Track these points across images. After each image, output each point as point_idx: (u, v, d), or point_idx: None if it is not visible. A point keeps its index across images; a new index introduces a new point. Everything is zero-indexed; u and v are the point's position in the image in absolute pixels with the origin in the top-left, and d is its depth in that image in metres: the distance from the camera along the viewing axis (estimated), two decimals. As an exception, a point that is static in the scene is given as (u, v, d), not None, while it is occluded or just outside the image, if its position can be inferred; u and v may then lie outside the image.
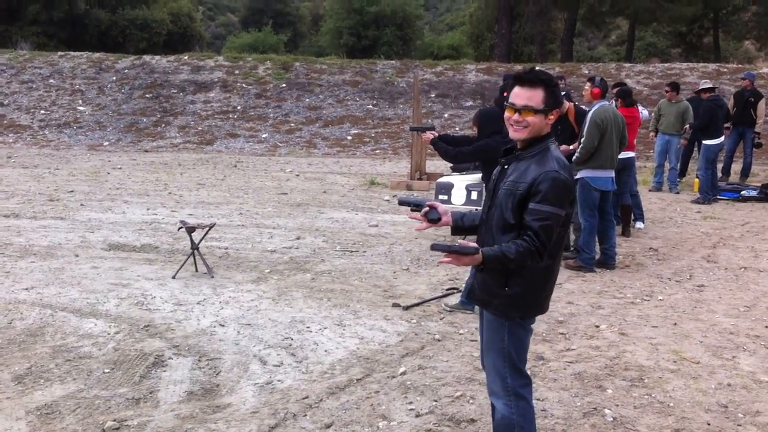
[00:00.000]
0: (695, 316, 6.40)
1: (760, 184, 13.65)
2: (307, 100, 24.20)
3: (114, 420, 4.24)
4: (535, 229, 3.16)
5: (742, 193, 13.10)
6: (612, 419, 4.37)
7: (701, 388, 4.85)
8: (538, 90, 3.24)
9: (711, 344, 5.68)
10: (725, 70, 24.48)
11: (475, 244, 3.25)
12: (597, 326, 6.06)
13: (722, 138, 12.90)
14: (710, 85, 13.66)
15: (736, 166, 15.47)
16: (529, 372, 3.60)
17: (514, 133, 3.32)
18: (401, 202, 3.81)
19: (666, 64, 27.33)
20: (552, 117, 3.28)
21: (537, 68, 3.43)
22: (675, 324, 6.17)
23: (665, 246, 9.19)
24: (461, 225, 3.65)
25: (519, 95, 3.27)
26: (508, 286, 3.30)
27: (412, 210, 3.63)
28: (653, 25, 40.63)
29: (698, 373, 5.11)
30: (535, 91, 3.24)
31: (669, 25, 39.85)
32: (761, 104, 14.61)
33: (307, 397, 4.61)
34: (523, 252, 3.16)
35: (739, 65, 27.43)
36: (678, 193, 13.61)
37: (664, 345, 5.64)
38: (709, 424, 4.33)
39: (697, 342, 5.73)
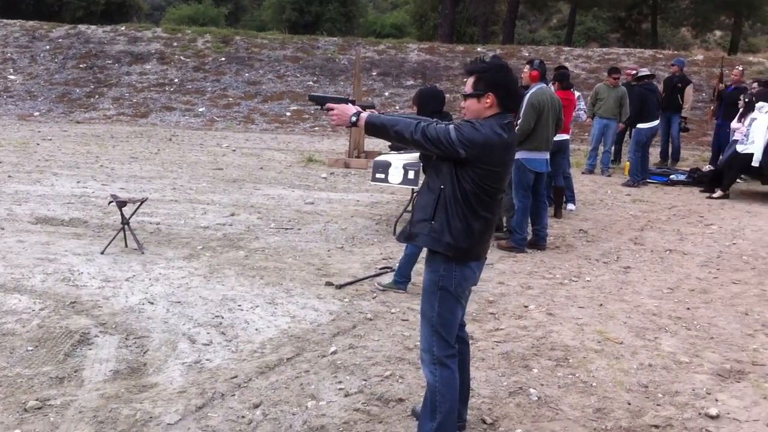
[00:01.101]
0: (621, 297, 6.56)
1: (688, 169, 14.02)
2: (247, 74, 23.90)
3: (37, 399, 4.15)
4: (435, 124, 3.51)
5: (671, 177, 13.44)
6: (537, 398, 4.46)
7: (623, 368, 4.98)
8: (471, 77, 3.63)
9: (634, 325, 5.84)
10: (661, 56, 24.97)
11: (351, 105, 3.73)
12: (526, 306, 6.16)
13: (655, 122, 13.16)
14: (648, 73, 13.90)
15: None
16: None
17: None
18: (311, 98, 4.04)
19: (604, 49, 27.72)
20: (488, 101, 3.55)
21: (482, 57, 3.83)
22: (601, 305, 6.32)
23: (595, 228, 9.39)
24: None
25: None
26: (434, 219, 3.55)
27: (322, 109, 3.83)
28: (593, 9, 41.20)
29: (621, 353, 5.24)
30: (469, 78, 3.65)
31: (609, 10, 40.47)
32: (689, 90, 14.98)
33: (236, 377, 4.59)
34: (406, 125, 3.53)
35: (675, 52, 27.99)
36: (610, 176, 13.89)
37: (589, 325, 5.77)
38: (629, 404, 4.45)
39: (622, 323, 5.88)
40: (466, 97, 3.63)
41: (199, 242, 7.82)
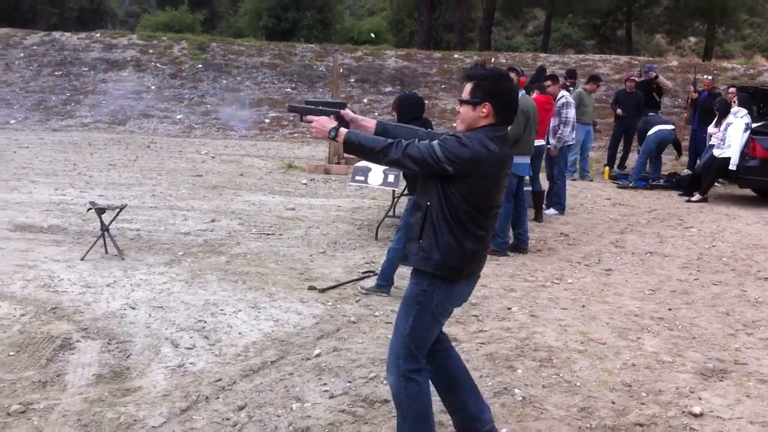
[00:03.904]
0: (602, 299, 6.60)
1: (667, 173, 14.16)
2: (224, 81, 23.80)
3: (20, 403, 4.11)
4: (417, 142, 3.38)
5: (650, 181, 13.57)
6: (521, 398, 4.47)
7: (607, 368, 5.01)
8: (469, 84, 3.46)
9: (617, 326, 5.87)
10: (636, 62, 25.15)
11: (332, 122, 3.59)
12: (509, 308, 6.17)
13: (667, 127, 13.48)
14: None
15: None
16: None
17: (457, 125, 3.56)
18: (291, 109, 3.94)
19: (580, 55, 27.94)
20: (484, 110, 3.40)
21: (483, 63, 3.67)
22: (583, 306, 6.35)
23: (576, 231, 9.44)
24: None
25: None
26: (422, 238, 3.41)
27: (302, 120, 3.75)
28: (569, 16, 41.53)
29: (604, 353, 5.27)
30: (467, 84, 3.47)
31: (584, 16, 40.77)
32: (663, 81, 15.42)
33: (220, 380, 4.56)
34: (386, 146, 3.39)
35: (650, 58, 28.25)
36: (591, 180, 13.99)
37: (572, 326, 5.80)
38: (613, 403, 4.47)
39: (604, 323, 5.91)
40: (462, 102, 3.47)
41: (180, 248, 7.77)
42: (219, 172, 13.45)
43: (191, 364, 4.82)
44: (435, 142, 3.34)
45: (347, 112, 3.75)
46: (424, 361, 3.56)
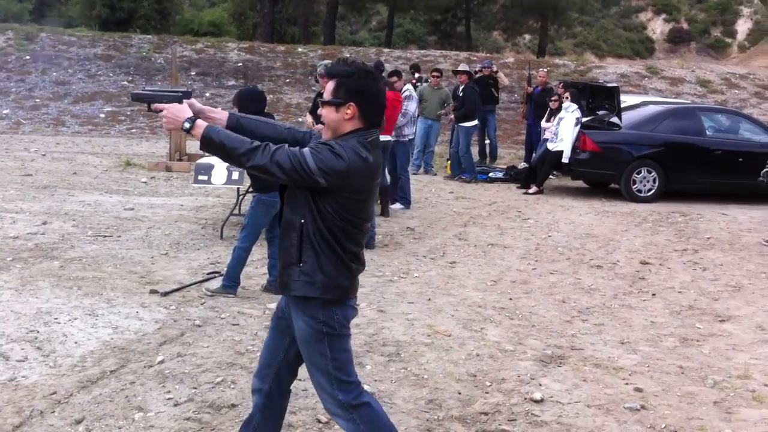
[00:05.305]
0: (448, 291, 6.76)
1: (505, 167, 14.68)
2: (55, 74, 22.55)
3: None
4: (287, 148, 3.03)
5: (490, 174, 14.03)
6: (371, 394, 4.48)
7: (453, 359, 5.13)
8: (331, 82, 3.13)
9: (461, 317, 6.03)
10: (475, 58, 25.92)
11: (187, 109, 3.12)
12: (357, 304, 6.17)
13: (476, 120, 13.80)
14: (467, 69, 14.35)
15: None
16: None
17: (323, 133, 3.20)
18: (134, 98, 3.44)
19: (422, 51, 28.55)
20: (349, 112, 3.07)
21: (345, 58, 3.26)
22: (429, 299, 6.47)
23: (421, 225, 9.62)
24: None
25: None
26: (302, 261, 3.10)
27: (149, 110, 3.28)
28: (411, 12, 42.36)
29: (450, 345, 5.39)
30: (329, 82, 3.14)
31: (425, 13, 41.73)
32: (501, 76, 15.98)
33: (55, 393, 4.32)
34: (251, 149, 3.00)
35: (488, 54, 29.27)
36: (435, 174, 14.28)
37: (419, 320, 5.90)
38: (459, 393, 4.58)
39: (449, 316, 6.06)
40: (323, 104, 3.12)
41: (8, 253, 7.29)
42: (50, 170, 12.71)
43: (23, 377, 4.53)
44: (306, 150, 3.00)
45: (193, 102, 3.24)
46: (355, 377, 3.30)
